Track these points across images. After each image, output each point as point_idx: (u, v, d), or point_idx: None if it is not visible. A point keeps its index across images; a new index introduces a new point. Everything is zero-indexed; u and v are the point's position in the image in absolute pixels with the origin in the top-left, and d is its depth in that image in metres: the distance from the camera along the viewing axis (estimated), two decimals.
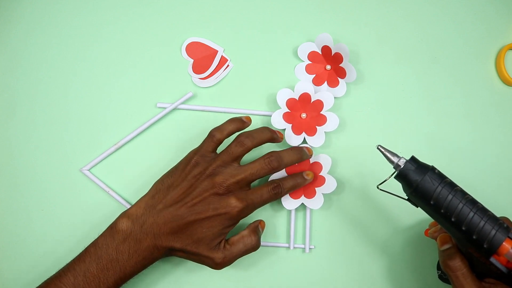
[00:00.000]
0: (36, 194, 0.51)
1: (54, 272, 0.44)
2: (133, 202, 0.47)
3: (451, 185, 0.38)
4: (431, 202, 0.38)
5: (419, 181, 0.38)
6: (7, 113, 0.52)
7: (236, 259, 0.45)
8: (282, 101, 0.50)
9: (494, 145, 0.53)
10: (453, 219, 0.37)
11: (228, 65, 0.53)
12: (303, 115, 0.51)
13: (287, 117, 0.50)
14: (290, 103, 0.50)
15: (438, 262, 0.45)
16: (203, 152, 0.45)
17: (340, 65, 0.51)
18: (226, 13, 0.54)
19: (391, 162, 0.39)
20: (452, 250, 0.41)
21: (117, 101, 0.52)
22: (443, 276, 0.47)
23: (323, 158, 0.50)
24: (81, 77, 0.53)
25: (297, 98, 0.50)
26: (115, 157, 0.52)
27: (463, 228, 0.37)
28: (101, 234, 0.44)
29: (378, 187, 0.41)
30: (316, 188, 0.49)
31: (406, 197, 0.40)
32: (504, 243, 0.37)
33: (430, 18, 0.56)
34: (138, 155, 0.52)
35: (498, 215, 0.38)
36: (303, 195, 0.49)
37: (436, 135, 0.53)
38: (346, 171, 0.52)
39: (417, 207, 0.40)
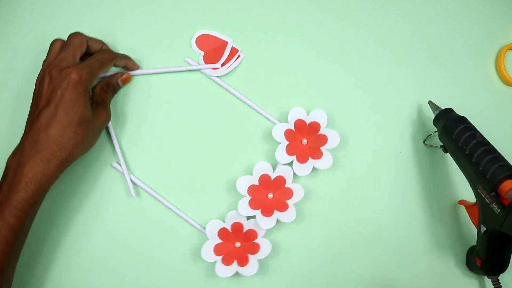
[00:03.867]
0: None
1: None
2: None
3: (472, 129, 0.46)
4: (453, 137, 0.46)
5: (447, 120, 0.48)
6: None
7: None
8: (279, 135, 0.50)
9: (494, 145, 0.53)
10: (467, 152, 0.44)
11: (239, 56, 0.53)
12: (304, 141, 0.50)
13: (288, 148, 0.49)
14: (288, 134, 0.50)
15: (468, 251, 0.50)
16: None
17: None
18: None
19: (436, 109, 0.50)
20: None
21: None
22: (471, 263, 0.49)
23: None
24: None
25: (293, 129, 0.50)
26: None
27: (473, 160, 0.44)
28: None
29: (424, 143, 0.52)
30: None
31: (439, 145, 0.50)
32: (508, 179, 0.41)
33: (430, 18, 0.56)
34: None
35: None
36: (236, 262, 0.48)
37: (436, 135, 0.53)
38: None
39: (446, 151, 0.49)
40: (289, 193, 0.49)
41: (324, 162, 0.49)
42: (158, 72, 0.52)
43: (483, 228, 0.45)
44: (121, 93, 0.52)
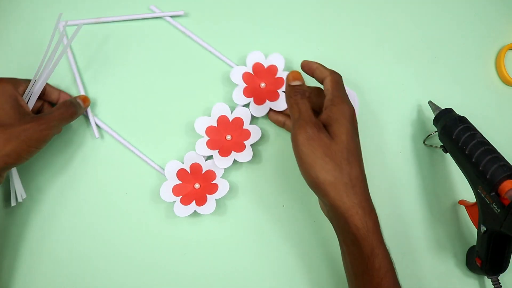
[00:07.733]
0: None
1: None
2: None
3: (472, 129, 0.46)
4: (453, 137, 0.46)
5: (447, 120, 0.48)
6: None
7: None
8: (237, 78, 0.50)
9: (494, 145, 0.53)
10: (467, 152, 0.45)
11: None
12: (262, 85, 0.50)
13: (247, 91, 0.50)
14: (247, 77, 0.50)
15: (468, 251, 0.50)
16: None
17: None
18: None
19: (436, 109, 0.50)
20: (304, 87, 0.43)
21: None
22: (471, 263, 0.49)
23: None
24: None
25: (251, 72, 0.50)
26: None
27: (473, 160, 0.44)
28: None
29: (424, 143, 0.52)
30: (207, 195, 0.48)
31: (439, 145, 0.50)
32: (508, 179, 0.41)
33: (430, 18, 0.56)
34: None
35: None
36: (194, 202, 0.48)
37: (436, 135, 0.53)
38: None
39: (446, 151, 0.49)
40: (246, 134, 0.49)
41: (281, 104, 0.50)
42: (123, 19, 0.53)
43: (483, 228, 0.45)
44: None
